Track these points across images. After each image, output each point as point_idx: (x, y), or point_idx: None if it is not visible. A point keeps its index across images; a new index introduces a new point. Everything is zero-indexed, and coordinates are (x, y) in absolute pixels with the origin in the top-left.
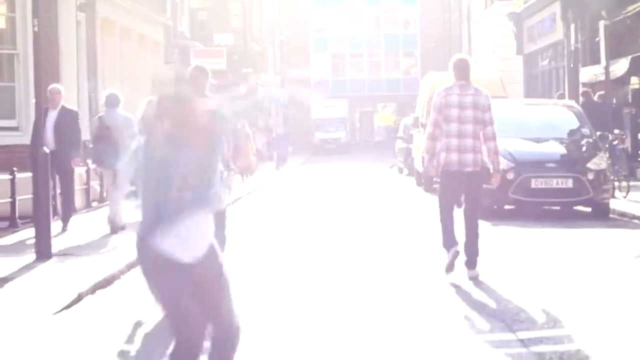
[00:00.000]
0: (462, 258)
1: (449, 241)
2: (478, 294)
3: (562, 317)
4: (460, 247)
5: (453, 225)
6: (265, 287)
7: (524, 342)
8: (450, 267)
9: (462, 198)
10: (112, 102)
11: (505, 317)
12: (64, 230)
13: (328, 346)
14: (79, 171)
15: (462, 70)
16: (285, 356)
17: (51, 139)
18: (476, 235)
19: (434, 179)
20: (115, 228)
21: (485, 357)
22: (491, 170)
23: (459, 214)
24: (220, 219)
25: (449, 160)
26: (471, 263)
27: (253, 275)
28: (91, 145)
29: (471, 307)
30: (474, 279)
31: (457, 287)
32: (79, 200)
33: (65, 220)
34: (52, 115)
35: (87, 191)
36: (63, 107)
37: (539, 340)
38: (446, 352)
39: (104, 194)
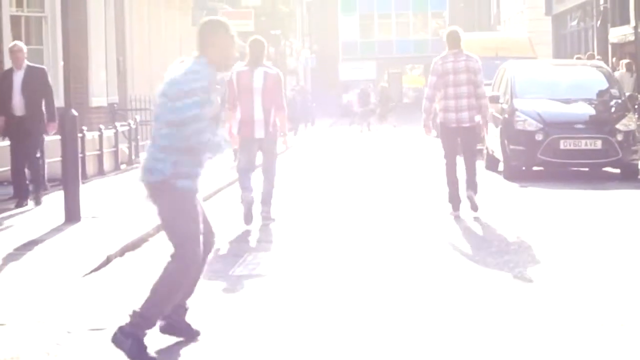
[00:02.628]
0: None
1: (453, 198)
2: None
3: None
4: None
5: (457, 183)
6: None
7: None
8: (455, 210)
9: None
10: None
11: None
12: (37, 204)
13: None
14: (107, 134)
15: (454, 40)
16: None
17: (20, 103)
18: (474, 182)
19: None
20: None
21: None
22: (481, 123)
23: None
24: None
25: (448, 118)
26: (473, 206)
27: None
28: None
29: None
30: (477, 218)
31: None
32: (107, 162)
33: (36, 197)
34: (17, 77)
35: (115, 154)
36: (29, 67)
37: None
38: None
39: (133, 157)
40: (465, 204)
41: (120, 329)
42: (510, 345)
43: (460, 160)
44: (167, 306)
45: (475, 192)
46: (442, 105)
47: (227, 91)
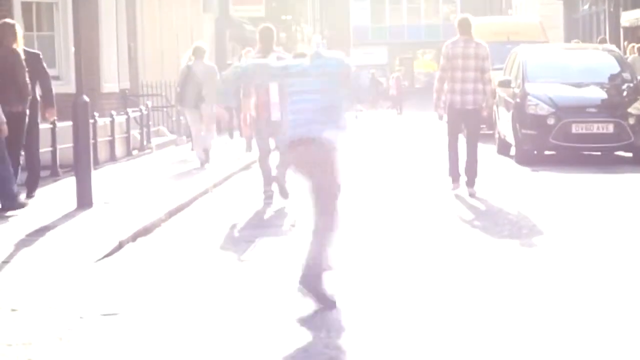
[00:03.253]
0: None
1: (452, 172)
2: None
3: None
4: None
5: (457, 159)
6: None
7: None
8: (455, 183)
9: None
10: (200, 53)
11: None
12: (29, 197)
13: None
14: (119, 120)
15: (466, 27)
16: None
17: None
18: (475, 161)
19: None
20: (204, 161)
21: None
22: (484, 106)
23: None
24: None
25: (454, 100)
26: (470, 182)
27: None
28: (178, 89)
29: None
30: (472, 195)
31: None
32: (119, 148)
33: (30, 188)
34: None
35: (127, 139)
36: (24, 51)
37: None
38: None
39: (144, 142)
40: (463, 179)
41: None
42: (513, 332)
43: (463, 141)
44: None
45: (475, 177)
46: (449, 87)
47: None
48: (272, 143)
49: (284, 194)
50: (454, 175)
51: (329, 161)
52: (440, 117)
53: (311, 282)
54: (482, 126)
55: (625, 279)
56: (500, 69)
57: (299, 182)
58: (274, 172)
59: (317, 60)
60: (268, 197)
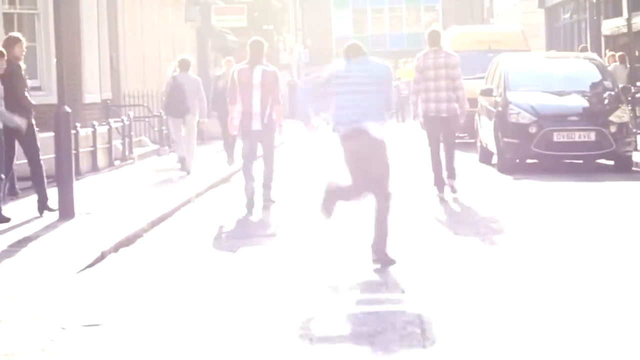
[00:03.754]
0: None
1: (437, 182)
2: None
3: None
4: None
5: (441, 169)
6: None
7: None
8: (440, 190)
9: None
10: (185, 66)
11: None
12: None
13: None
14: (101, 130)
15: (435, 39)
16: None
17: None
18: (453, 167)
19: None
20: (188, 168)
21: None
22: (459, 113)
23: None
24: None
25: (428, 108)
26: (452, 188)
27: None
28: (164, 99)
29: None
30: (456, 200)
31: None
32: (101, 159)
33: (43, 200)
34: None
35: (109, 150)
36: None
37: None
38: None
39: (126, 153)
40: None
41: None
42: (505, 335)
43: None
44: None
45: (454, 177)
46: (423, 97)
47: (230, 87)
48: (259, 149)
49: (267, 201)
50: (439, 185)
51: (379, 150)
52: (422, 126)
53: (379, 249)
54: (462, 134)
55: (606, 286)
56: (482, 77)
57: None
58: (254, 176)
59: (368, 65)
60: (249, 202)
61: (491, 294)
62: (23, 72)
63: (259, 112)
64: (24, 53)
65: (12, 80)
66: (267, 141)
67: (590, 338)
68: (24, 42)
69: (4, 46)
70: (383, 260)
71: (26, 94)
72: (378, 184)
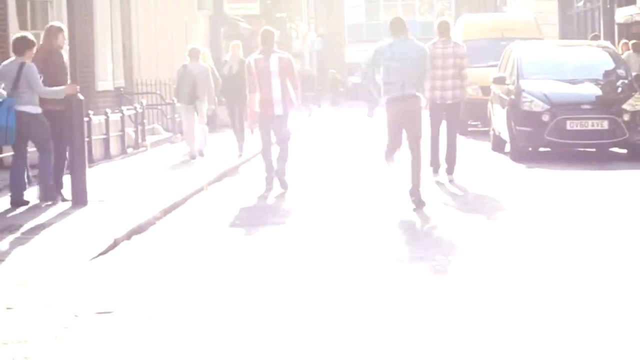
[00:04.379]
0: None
1: (434, 162)
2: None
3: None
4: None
5: (438, 150)
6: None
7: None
8: (449, 170)
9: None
10: (195, 54)
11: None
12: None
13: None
14: (114, 118)
15: (444, 29)
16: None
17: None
18: (454, 150)
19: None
20: (194, 154)
21: None
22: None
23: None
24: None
25: (434, 95)
26: (450, 170)
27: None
28: (175, 86)
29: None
30: (452, 182)
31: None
32: (114, 146)
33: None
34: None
35: (122, 138)
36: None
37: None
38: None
39: (139, 140)
40: (443, 167)
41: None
42: (512, 323)
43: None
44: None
45: (454, 165)
46: (430, 84)
47: (248, 76)
48: (273, 137)
49: (284, 185)
50: (435, 165)
51: (419, 112)
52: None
53: (415, 192)
54: (475, 122)
55: (619, 274)
56: (495, 65)
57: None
58: (274, 163)
59: (411, 44)
60: (269, 183)
61: (496, 285)
62: (65, 61)
63: (280, 98)
64: (65, 42)
65: (55, 69)
66: (283, 126)
67: (598, 330)
68: (66, 31)
69: (46, 35)
70: (418, 202)
71: (68, 82)
72: (415, 141)
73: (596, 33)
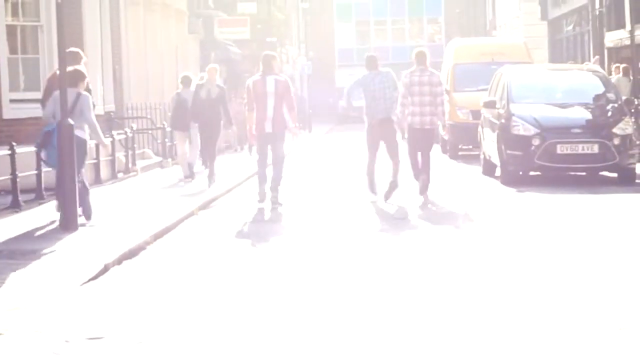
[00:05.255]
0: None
1: (416, 175)
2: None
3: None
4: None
5: (418, 165)
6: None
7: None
8: (422, 191)
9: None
10: (187, 82)
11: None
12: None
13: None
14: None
15: (421, 58)
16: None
17: None
18: (428, 172)
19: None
20: (188, 175)
21: None
22: (441, 126)
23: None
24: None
25: (414, 121)
26: (423, 190)
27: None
28: (170, 114)
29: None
30: (426, 202)
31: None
32: (104, 171)
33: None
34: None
35: (112, 162)
36: None
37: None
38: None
39: (130, 165)
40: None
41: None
42: (509, 343)
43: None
44: None
45: (427, 186)
46: (410, 110)
47: (247, 97)
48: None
49: (275, 204)
50: (418, 177)
51: (394, 130)
52: (403, 135)
53: (390, 195)
54: (466, 146)
55: (609, 298)
56: (485, 89)
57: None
58: (269, 183)
59: (386, 74)
60: (261, 197)
61: (485, 308)
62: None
63: (272, 116)
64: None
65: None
66: (277, 146)
67: (590, 355)
68: (84, 57)
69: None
70: (395, 186)
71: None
72: (393, 151)
73: (597, 57)
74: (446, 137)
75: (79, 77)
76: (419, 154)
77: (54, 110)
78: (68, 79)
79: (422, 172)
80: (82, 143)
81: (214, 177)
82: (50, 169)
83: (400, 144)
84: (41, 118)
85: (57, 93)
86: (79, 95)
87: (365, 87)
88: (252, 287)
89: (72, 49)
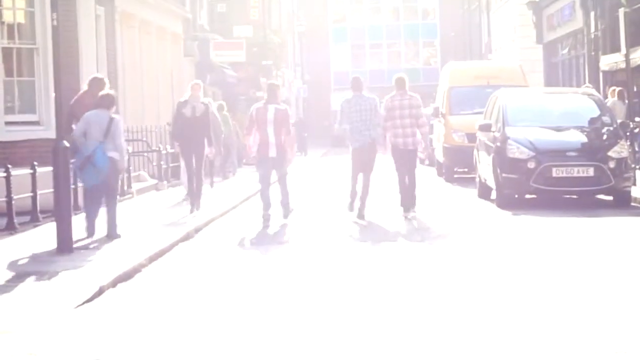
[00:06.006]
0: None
1: (404, 202)
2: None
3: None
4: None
5: (405, 184)
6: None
7: None
8: (408, 207)
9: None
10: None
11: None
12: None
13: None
14: None
15: (401, 84)
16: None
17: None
18: (413, 190)
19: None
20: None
21: None
22: (423, 146)
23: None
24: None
25: (397, 142)
26: (408, 208)
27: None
28: (168, 125)
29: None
30: (412, 218)
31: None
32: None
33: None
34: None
35: None
36: None
37: None
38: None
39: (125, 187)
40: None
41: None
42: None
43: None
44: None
45: (414, 204)
46: (393, 132)
47: (247, 121)
48: (273, 175)
49: (287, 213)
50: (405, 205)
51: (374, 151)
52: (384, 153)
53: (362, 213)
54: (461, 169)
55: (605, 322)
56: (481, 112)
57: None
58: (271, 201)
59: (368, 99)
60: (266, 220)
61: (478, 330)
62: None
63: (274, 142)
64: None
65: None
66: (281, 166)
67: None
68: (107, 84)
69: (91, 85)
70: (361, 217)
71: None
72: (367, 172)
73: (587, 85)
74: (441, 160)
75: (111, 101)
76: (405, 174)
77: (84, 129)
78: (101, 103)
79: (408, 189)
80: (114, 164)
81: (199, 203)
82: (46, 191)
83: (380, 162)
84: (36, 140)
85: (89, 114)
86: (112, 119)
87: (348, 114)
88: (248, 311)
89: (97, 75)
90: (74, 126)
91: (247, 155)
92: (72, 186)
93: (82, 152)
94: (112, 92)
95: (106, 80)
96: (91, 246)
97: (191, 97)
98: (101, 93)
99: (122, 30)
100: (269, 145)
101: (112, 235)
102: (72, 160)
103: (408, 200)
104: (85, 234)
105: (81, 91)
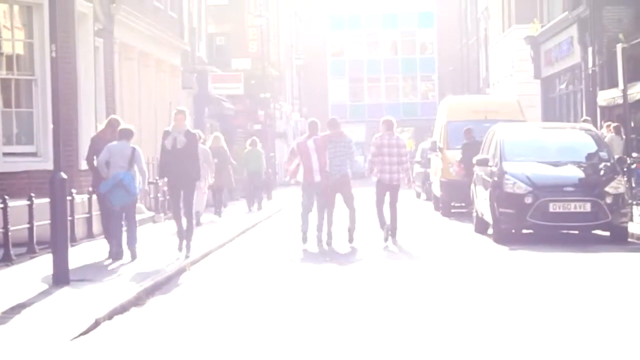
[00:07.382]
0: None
1: (382, 223)
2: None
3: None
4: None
5: (383, 215)
6: None
7: None
8: (386, 238)
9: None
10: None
11: None
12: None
13: None
14: (81, 199)
15: (389, 125)
16: None
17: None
18: (395, 220)
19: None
20: (197, 223)
21: None
22: (406, 181)
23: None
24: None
25: (383, 177)
26: (393, 234)
27: None
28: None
29: None
30: (395, 243)
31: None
32: (96, 225)
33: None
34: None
35: (89, 220)
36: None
37: None
38: None
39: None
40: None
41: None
42: None
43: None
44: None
45: (395, 233)
46: (380, 168)
47: (289, 154)
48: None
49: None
50: (385, 230)
51: (349, 183)
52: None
53: (351, 239)
54: (459, 204)
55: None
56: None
57: None
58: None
59: (342, 138)
60: (304, 238)
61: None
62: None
63: (318, 168)
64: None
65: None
66: (345, 190)
67: None
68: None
69: (109, 125)
70: (351, 239)
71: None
72: (349, 201)
73: (586, 118)
74: (438, 194)
75: (131, 133)
76: (388, 206)
77: (107, 159)
78: (123, 135)
79: (391, 221)
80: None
81: (189, 246)
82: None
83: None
84: (34, 172)
85: (111, 145)
86: (134, 149)
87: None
88: (248, 343)
89: (113, 116)
90: (95, 157)
91: (292, 174)
92: (69, 218)
93: (108, 177)
94: (131, 126)
95: (121, 120)
96: (120, 270)
97: (174, 128)
98: (121, 127)
99: (120, 62)
100: (313, 172)
101: (134, 255)
102: (90, 188)
103: (390, 228)
104: (110, 257)
105: (99, 129)
